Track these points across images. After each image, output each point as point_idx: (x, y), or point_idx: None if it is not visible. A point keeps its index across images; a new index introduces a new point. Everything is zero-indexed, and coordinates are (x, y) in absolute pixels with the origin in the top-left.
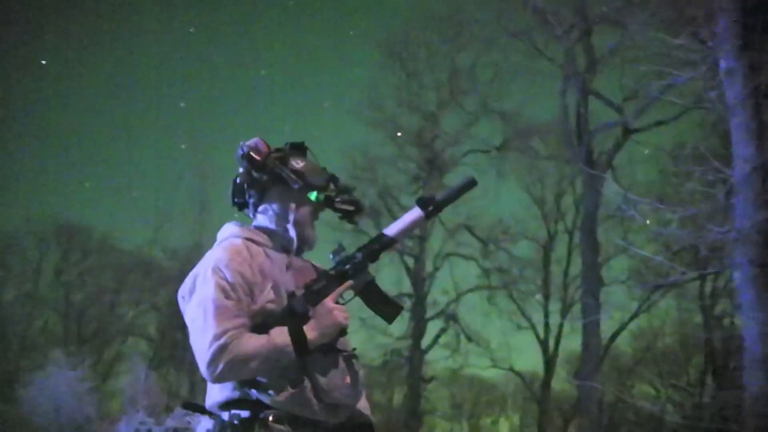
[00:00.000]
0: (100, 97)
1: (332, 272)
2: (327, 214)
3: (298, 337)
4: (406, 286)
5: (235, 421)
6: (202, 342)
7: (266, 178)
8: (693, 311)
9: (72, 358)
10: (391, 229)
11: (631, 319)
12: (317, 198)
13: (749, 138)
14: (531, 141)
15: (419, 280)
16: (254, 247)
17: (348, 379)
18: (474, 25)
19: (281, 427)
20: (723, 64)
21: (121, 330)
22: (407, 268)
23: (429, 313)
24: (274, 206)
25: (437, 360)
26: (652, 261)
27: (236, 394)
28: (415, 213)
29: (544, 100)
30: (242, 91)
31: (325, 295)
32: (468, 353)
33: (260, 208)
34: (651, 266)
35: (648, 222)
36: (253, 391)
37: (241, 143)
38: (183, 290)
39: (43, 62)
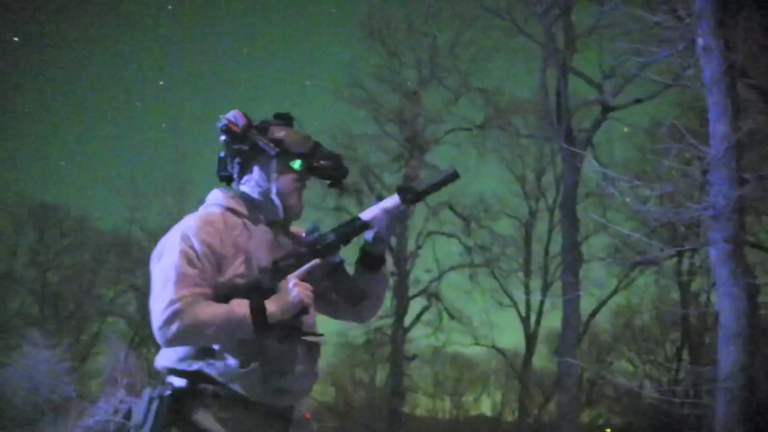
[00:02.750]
0: (77, 76)
1: (302, 250)
2: (311, 193)
3: (258, 309)
4: (389, 264)
5: (168, 391)
6: (157, 305)
7: (246, 148)
8: (670, 288)
9: (49, 338)
10: (367, 214)
11: (610, 296)
12: (300, 165)
13: (725, 116)
14: (512, 119)
15: (402, 259)
16: (233, 218)
17: (302, 365)
18: (454, 2)
19: (218, 401)
20: (700, 41)
21: (100, 310)
22: (390, 247)
23: (411, 291)
24: (256, 176)
25: (420, 338)
26: (630, 238)
27: (177, 363)
28: (393, 200)
29: (525, 77)
30: (222, 70)
31: (292, 272)
32: (450, 331)
33: (243, 179)
34: (629, 243)
35: (627, 199)
36: (195, 364)
37: (221, 116)
38: (154, 253)
39: (15, 39)
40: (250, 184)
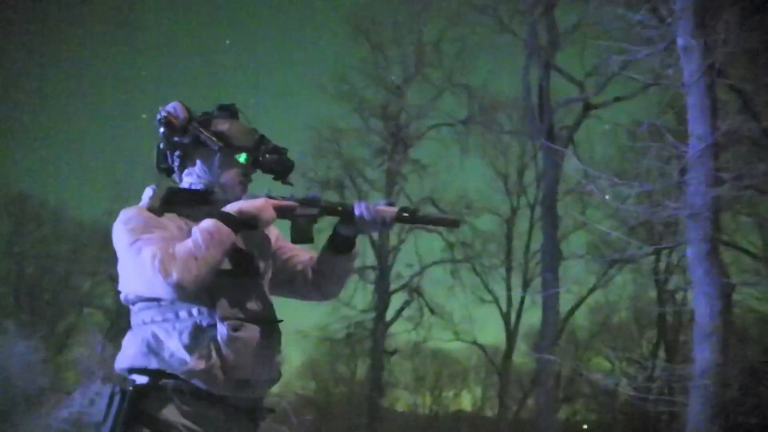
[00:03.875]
0: (57, 65)
1: (293, 196)
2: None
3: (218, 214)
4: (371, 258)
5: (130, 388)
6: (144, 272)
7: (187, 141)
8: (648, 286)
9: (24, 329)
10: (361, 205)
11: (589, 293)
12: (246, 159)
13: (703, 115)
14: (495, 115)
15: (383, 253)
16: (170, 214)
17: (263, 354)
18: None
19: (180, 396)
20: (680, 41)
21: (77, 301)
22: (372, 241)
23: (393, 286)
24: (198, 170)
25: (400, 333)
26: (609, 236)
27: (139, 361)
28: (391, 210)
29: (509, 74)
30: (206, 62)
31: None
32: (431, 326)
33: (184, 173)
34: (608, 241)
35: (607, 197)
36: (154, 360)
37: (160, 108)
38: (115, 247)
39: None
40: (192, 177)
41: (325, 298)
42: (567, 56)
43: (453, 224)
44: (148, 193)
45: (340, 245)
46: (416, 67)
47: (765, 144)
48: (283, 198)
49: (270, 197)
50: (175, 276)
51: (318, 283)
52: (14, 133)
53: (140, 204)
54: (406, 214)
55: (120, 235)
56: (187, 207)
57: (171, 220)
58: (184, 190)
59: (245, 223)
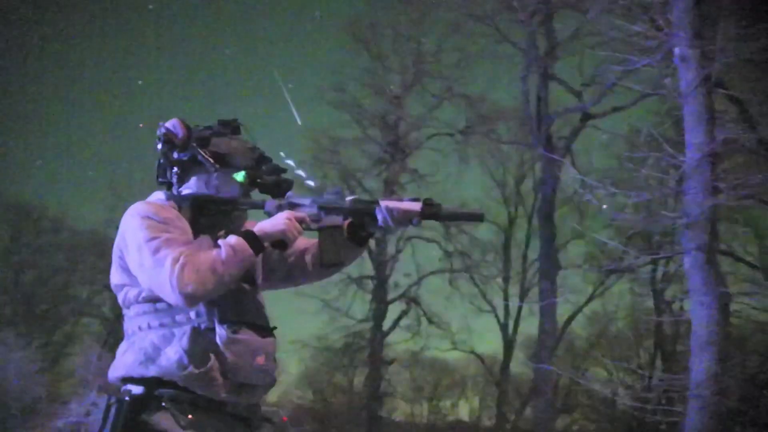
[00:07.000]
0: (55, 73)
1: (314, 200)
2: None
3: (247, 233)
4: (368, 268)
5: (126, 398)
6: (161, 273)
7: (185, 159)
8: (645, 295)
9: (21, 339)
10: (384, 201)
11: (586, 302)
12: (244, 178)
13: (700, 125)
14: (494, 125)
15: (381, 263)
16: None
17: (260, 359)
18: (439, 8)
19: (177, 405)
20: (677, 51)
21: (74, 310)
22: (369, 251)
23: (390, 296)
24: (194, 187)
25: (398, 342)
26: (607, 245)
27: (135, 370)
28: (415, 205)
29: (508, 84)
30: (205, 71)
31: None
32: (429, 336)
33: (182, 188)
34: (606, 251)
35: (604, 207)
36: (152, 368)
37: (161, 123)
38: (117, 249)
39: None
40: (191, 192)
41: (324, 278)
42: (565, 66)
43: (478, 218)
44: (159, 195)
45: (358, 238)
46: (415, 76)
47: (762, 153)
48: (305, 198)
49: (292, 203)
50: (190, 288)
51: (322, 268)
52: (13, 141)
53: (150, 199)
54: (430, 211)
55: (136, 228)
56: (211, 214)
57: (183, 222)
58: (212, 196)
59: (273, 245)
